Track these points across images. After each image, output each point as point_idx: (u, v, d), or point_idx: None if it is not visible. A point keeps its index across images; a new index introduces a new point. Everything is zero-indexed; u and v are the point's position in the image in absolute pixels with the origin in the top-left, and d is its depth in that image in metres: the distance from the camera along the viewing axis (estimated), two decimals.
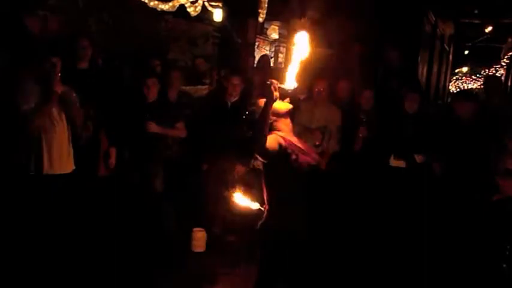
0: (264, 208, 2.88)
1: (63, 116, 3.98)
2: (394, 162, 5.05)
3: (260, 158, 2.83)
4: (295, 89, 3.06)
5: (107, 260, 4.18)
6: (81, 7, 6.44)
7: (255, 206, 2.94)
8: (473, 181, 4.55)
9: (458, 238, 4.61)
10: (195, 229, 4.69)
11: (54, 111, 3.89)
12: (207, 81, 6.38)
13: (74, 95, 4.01)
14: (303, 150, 2.87)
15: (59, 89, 3.81)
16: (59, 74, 3.83)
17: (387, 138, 5.04)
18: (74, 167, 4.14)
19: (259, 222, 2.91)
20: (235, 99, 5.09)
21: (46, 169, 3.89)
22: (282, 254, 2.87)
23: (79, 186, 4.19)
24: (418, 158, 4.95)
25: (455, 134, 4.81)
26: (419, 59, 9.95)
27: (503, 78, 15.45)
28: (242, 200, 2.99)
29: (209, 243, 4.71)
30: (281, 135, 2.87)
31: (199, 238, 4.66)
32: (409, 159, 4.96)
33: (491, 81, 6.25)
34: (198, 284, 4.13)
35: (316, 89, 5.17)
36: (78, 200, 4.17)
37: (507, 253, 3.24)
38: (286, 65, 3.28)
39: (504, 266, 3.21)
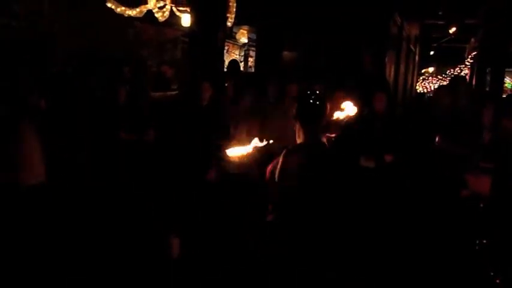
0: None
1: (33, 125, 3.89)
2: (364, 162, 5.10)
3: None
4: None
5: (83, 268, 4.11)
6: (47, 13, 6.34)
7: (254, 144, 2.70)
8: (442, 178, 4.64)
9: (428, 235, 4.69)
10: (171, 236, 4.65)
11: (24, 120, 3.80)
12: (175, 87, 6.35)
13: (43, 102, 3.93)
14: None
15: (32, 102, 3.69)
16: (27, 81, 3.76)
17: (357, 139, 5.10)
18: (45, 176, 4.06)
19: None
20: (205, 104, 5.08)
21: (19, 180, 3.80)
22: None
23: (52, 195, 4.11)
24: (387, 158, 5.01)
25: (425, 133, 4.92)
26: (386, 60, 10.13)
27: (467, 77, 15.84)
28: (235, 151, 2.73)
29: (185, 250, 4.67)
30: None
31: (176, 245, 4.62)
32: (378, 159, 5.02)
33: (459, 82, 6.37)
34: None
35: (288, 93, 5.23)
36: (51, 208, 4.09)
37: (476, 248, 3.30)
38: None
39: (473, 261, 3.27)
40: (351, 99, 3.48)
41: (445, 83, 19.95)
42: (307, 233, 2.80)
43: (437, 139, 4.67)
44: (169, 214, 4.85)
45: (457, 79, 10.17)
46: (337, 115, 3.34)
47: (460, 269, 3.61)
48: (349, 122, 3.29)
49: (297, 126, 2.86)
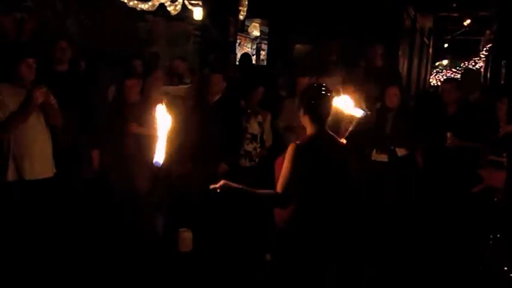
0: None
1: (42, 119, 3.92)
2: (375, 156, 5.08)
3: None
4: None
5: (92, 263, 4.13)
6: (59, 9, 6.36)
7: None
8: (456, 172, 4.61)
9: (442, 229, 4.67)
10: (181, 229, 4.66)
11: (33, 114, 3.82)
12: (188, 80, 6.35)
13: (52, 97, 3.94)
14: None
15: (40, 97, 3.71)
16: (36, 76, 3.78)
17: (369, 133, 5.08)
18: (55, 171, 4.09)
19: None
20: (218, 97, 5.08)
21: (27, 174, 3.83)
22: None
23: (61, 190, 4.14)
24: (400, 152, 4.98)
25: (439, 126, 4.87)
26: (400, 53, 10.05)
27: (482, 70, 15.65)
28: None
29: (196, 243, 4.67)
30: None
31: (186, 238, 4.62)
32: (391, 153, 4.99)
33: (470, 75, 6.31)
34: (185, 285, 4.10)
35: (300, 87, 5.20)
36: (60, 203, 4.12)
37: (490, 243, 3.28)
38: None
39: (487, 256, 3.25)
40: (361, 94, 3.45)
41: (458, 76, 19.76)
42: (330, 224, 2.78)
43: (448, 136, 4.63)
44: (181, 207, 4.87)
45: (467, 72, 10.07)
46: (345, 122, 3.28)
47: (474, 263, 3.58)
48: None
49: (305, 120, 2.82)
